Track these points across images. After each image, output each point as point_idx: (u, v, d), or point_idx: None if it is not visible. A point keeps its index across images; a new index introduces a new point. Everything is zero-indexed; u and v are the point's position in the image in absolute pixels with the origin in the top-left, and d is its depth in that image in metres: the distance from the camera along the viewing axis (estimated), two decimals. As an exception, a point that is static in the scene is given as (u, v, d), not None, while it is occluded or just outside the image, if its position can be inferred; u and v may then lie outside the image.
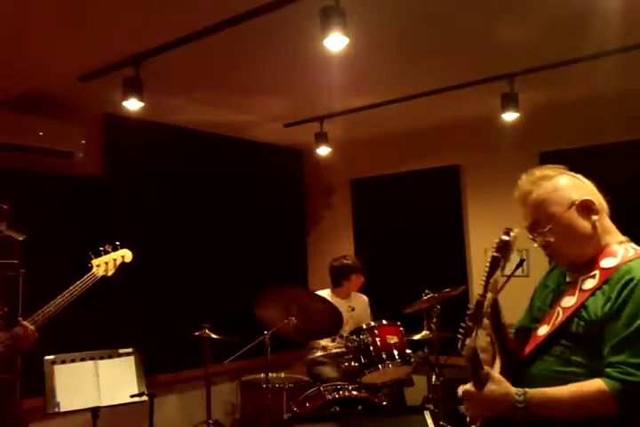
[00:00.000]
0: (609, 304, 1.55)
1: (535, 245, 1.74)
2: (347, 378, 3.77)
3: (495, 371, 1.67)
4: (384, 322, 3.80)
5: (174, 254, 4.64)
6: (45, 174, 3.97)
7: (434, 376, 3.95)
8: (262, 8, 2.64)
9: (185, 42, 2.99)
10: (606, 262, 1.64)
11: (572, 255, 1.71)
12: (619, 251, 1.65)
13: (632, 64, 3.40)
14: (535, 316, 1.80)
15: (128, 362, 3.32)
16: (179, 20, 2.82)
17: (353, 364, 3.66)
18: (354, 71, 3.50)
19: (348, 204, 5.62)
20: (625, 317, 1.52)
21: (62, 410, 3.07)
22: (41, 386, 3.09)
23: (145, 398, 3.23)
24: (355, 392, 3.48)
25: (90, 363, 3.24)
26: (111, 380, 3.23)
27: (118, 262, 3.09)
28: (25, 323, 2.69)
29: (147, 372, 3.39)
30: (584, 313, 1.59)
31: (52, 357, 3.17)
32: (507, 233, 1.55)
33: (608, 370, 1.50)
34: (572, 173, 1.77)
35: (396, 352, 3.63)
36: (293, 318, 3.57)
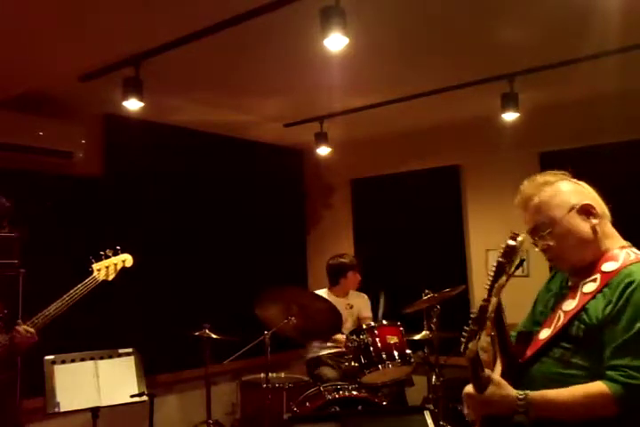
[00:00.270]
0: (609, 307, 1.56)
1: (536, 249, 1.75)
2: (347, 378, 3.78)
3: (496, 373, 1.67)
4: (384, 322, 3.81)
5: (174, 254, 4.64)
6: (45, 174, 3.96)
7: (434, 376, 3.94)
8: (262, 8, 2.64)
9: (185, 42, 2.99)
10: (607, 266, 1.65)
11: (572, 260, 1.71)
12: (620, 255, 1.66)
13: (632, 64, 3.40)
14: (537, 320, 1.81)
15: (128, 362, 3.32)
16: (179, 20, 2.82)
17: (353, 364, 3.66)
18: (354, 71, 3.50)
19: (347, 204, 5.62)
20: (625, 319, 1.52)
21: (62, 410, 3.08)
22: (41, 386, 3.09)
23: (145, 398, 3.23)
24: (355, 392, 3.47)
25: (90, 363, 3.24)
26: (111, 380, 3.23)
27: (119, 267, 3.08)
28: (21, 328, 2.68)
29: (147, 372, 3.38)
30: (585, 316, 1.60)
31: (52, 357, 3.17)
32: (513, 238, 1.55)
33: (610, 373, 1.50)
34: (575, 180, 1.79)
35: (396, 352, 3.63)
36: (293, 318, 3.58)
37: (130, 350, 3.36)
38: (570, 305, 1.66)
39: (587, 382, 1.53)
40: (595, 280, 1.64)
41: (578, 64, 3.40)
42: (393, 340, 3.67)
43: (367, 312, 4.54)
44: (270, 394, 3.58)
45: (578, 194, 1.73)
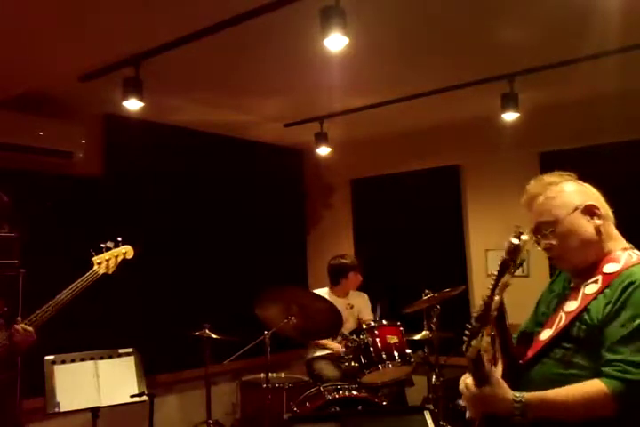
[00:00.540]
0: (609, 306, 1.56)
1: (538, 248, 1.75)
2: (347, 378, 3.78)
3: (497, 373, 1.67)
4: (384, 322, 3.81)
5: (174, 254, 4.64)
6: (45, 174, 3.96)
7: (434, 376, 3.95)
8: (262, 8, 2.64)
9: (185, 42, 2.99)
10: (609, 268, 1.65)
11: (574, 260, 1.72)
12: (622, 257, 1.67)
13: (632, 64, 3.40)
14: (540, 320, 1.81)
15: (128, 362, 3.32)
16: (179, 20, 2.82)
17: (353, 364, 3.66)
18: (354, 71, 3.50)
19: (347, 204, 5.62)
20: (624, 317, 1.52)
21: (62, 410, 3.08)
22: (41, 386, 3.09)
23: (145, 398, 3.23)
24: (355, 392, 3.47)
25: (90, 363, 3.24)
26: (111, 380, 3.23)
27: (120, 260, 3.04)
28: (19, 327, 2.67)
29: (147, 372, 3.39)
30: (586, 317, 1.60)
31: (52, 357, 3.17)
32: (517, 236, 1.55)
33: (606, 369, 1.50)
34: (580, 182, 1.81)
35: (396, 352, 3.63)
36: (293, 318, 3.57)
37: (130, 350, 3.36)
38: (571, 306, 1.66)
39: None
40: (596, 282, 1.65)
41: (578, 64, 3.40)
42: (393, 340, 3.67)
43: (367, 312, 4.55)
44: (270, 394, 3.58)
45: (582, 194, 1.75)
